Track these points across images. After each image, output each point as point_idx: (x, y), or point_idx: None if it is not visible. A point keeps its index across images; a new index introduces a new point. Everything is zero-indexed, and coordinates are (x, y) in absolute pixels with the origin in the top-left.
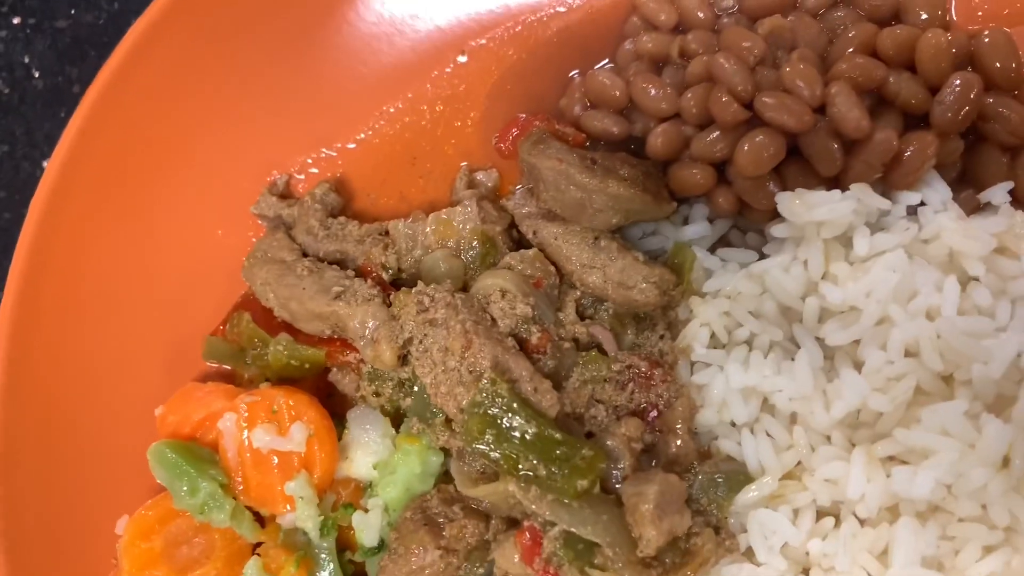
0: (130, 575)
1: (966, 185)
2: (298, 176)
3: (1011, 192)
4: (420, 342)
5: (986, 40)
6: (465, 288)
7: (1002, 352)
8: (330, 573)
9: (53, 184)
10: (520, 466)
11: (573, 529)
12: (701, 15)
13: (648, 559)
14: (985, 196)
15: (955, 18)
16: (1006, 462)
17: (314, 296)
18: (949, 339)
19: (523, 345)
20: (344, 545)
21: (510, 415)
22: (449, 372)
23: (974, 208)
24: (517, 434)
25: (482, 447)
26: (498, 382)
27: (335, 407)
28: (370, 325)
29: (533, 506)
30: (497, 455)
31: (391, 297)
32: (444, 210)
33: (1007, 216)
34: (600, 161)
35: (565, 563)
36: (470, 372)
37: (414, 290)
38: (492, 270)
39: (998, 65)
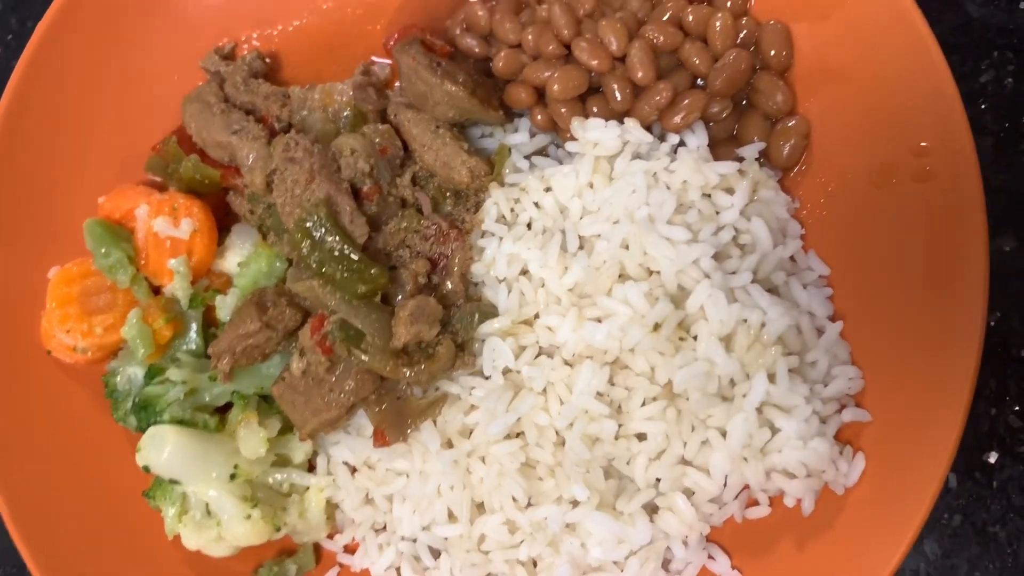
0: (51, 309)
1: (737, 143)
2: (244, 46)
3: (763, 152)
4: (281, 173)
5: (768, 29)
6: None
7: (685, 254)
8: (194, 333)
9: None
10: (324, 269)
11: (348, 319)
12: None
13: (397, 351)
14: (740, 151)
15: (752, 7)
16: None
17: (220, 129)
18: (651, 239)
19: (357, 192)
20: (211, 323)
21: (324, 232)
22: (294, 197)
23: (733, 160)
24: (327, 247)
25: (301, 251)
26: (320, 207)
27: (229, 223)
28: (252, 156)
29: (325, 299)
30: (309, 260)
31: (272, 140)
32: (329, 83)
33: (745, 166)
34: (444, 66)
35: (337, 341)
36: (308, 200)
37: (286, 136)
38: (349, 133)
39: (772, 51)
